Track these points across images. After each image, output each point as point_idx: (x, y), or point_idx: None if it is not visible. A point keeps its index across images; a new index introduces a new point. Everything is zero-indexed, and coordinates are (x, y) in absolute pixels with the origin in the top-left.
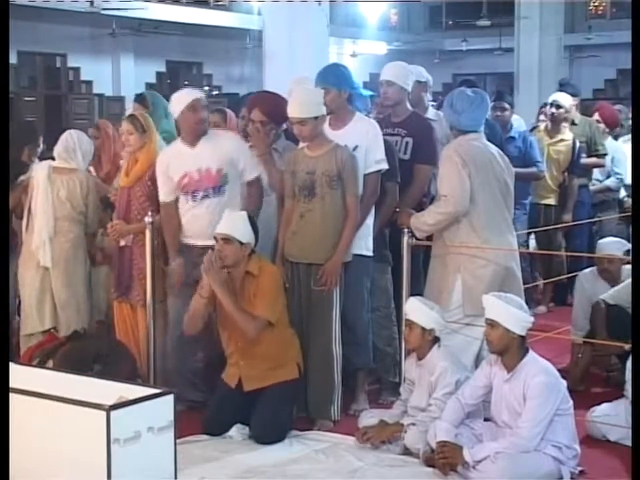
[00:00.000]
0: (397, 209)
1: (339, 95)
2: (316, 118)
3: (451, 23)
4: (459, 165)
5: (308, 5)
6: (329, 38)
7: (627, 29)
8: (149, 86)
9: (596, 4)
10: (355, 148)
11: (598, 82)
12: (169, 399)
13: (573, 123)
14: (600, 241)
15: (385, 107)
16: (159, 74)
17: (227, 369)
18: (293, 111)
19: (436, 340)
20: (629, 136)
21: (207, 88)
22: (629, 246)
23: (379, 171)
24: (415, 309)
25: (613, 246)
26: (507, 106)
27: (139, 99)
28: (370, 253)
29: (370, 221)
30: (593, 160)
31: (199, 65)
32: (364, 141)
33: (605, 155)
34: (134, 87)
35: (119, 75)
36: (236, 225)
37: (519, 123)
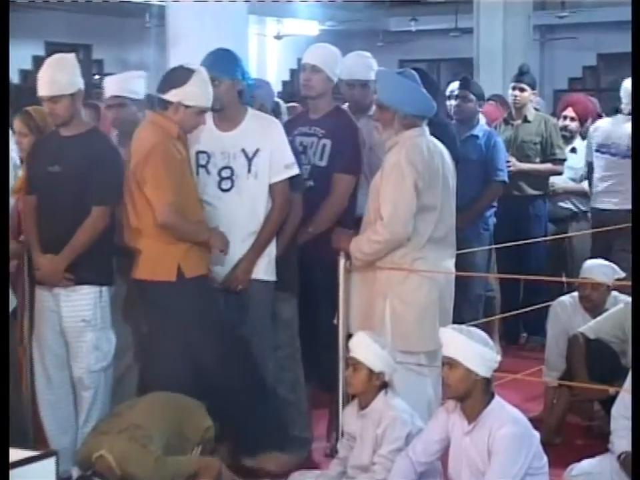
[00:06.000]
0: (311, 228)
1: (232, 86)
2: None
3: None
4: (408, 180)
5: None
6: (247, 16)
7: (608, 6)
8: (24, 73)
9: None
10: (256, 152)
11: (575, 69)
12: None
13: (525, 120)
14: (586, 263)
15: (306, 96)
16: (35, 59)
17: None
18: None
19: (384, 385)
20: None
21: (97, 77)
22: (621, 273)
23: (290, 177)
24: (363, 346)
25: (600, 270)
26: (471, 96)
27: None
28: (272, 278)
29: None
30: (549, 166)
31: (86, 48)
32: (266, 143)
33: (564, 160)
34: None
35: None
36: None
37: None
